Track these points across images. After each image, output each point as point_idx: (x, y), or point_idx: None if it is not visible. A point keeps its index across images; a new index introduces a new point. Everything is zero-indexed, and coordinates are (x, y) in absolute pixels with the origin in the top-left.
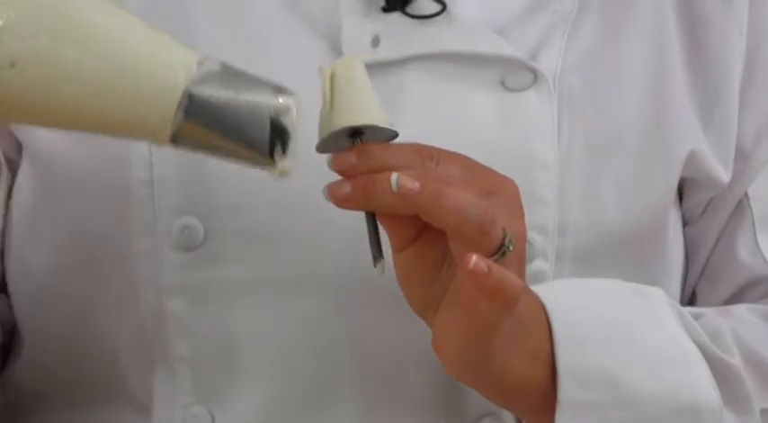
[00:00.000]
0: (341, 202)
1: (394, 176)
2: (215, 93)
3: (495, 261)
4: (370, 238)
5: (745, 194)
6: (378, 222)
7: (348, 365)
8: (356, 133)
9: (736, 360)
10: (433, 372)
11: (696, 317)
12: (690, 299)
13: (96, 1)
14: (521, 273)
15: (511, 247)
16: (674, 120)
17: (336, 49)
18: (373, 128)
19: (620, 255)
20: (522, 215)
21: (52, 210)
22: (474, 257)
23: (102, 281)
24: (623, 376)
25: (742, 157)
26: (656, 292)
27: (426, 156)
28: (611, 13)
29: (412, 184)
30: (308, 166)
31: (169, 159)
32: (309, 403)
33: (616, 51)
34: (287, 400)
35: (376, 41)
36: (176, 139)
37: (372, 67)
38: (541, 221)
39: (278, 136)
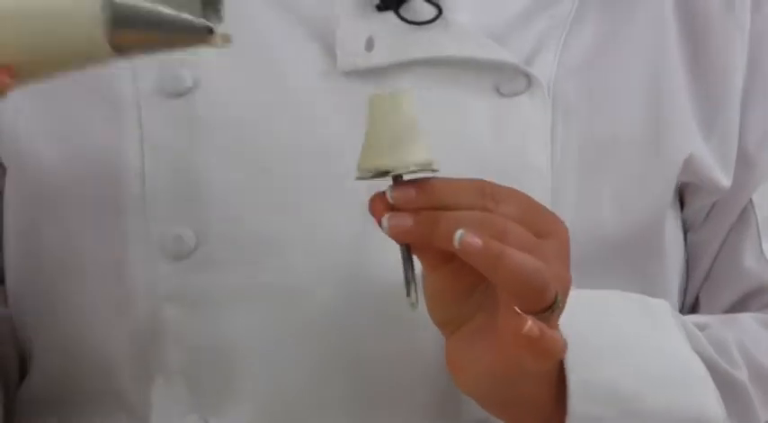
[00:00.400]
0: (397, 234)
1: (459, 233)
2: None
3: (541, 317)
4: (406, 275)
5: (750, 201)
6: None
7: (343, 372)
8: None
9: (742, 373)
10: (428, 378)
11: (701, 328)
12: (692, 306)
13: None
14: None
15: (560, 306)
16: (672, 125)
17: (329, 49)
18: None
19: (616, 261)
20: (568, 261)
21: (44, 224)
22: (529, 323)
23: (97, 292)
24: (630, 391)
25: (745, 163)
26: (662, 305)
27: (488, 194)
28: (610, 18)
29: (475, 242)
30: (299, 173)
31: (161, 168)
32: (304, 410)
33: (613, 57)
34: (282, 408)
35: (370, 44)
36: (119, 50)
37: (366, 73)
38: None
39: (209, 8)
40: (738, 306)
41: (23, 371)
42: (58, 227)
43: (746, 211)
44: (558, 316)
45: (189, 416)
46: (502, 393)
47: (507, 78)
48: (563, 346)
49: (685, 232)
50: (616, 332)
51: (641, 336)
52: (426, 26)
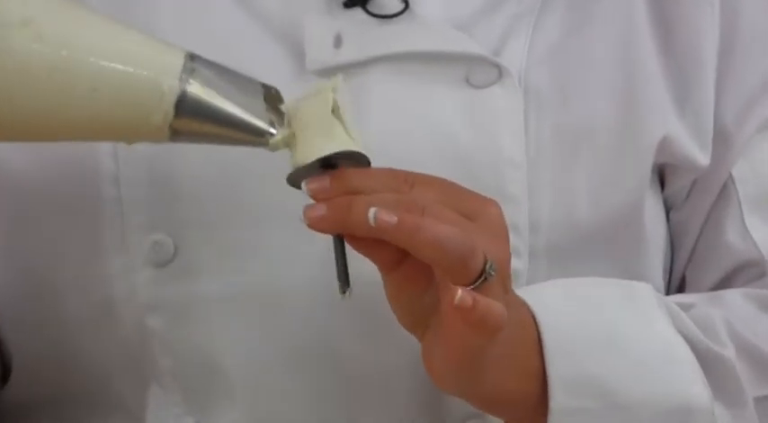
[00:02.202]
0: (315, 223)
1: (372, 211)
2: (206, 84)
3: (477, 288)
4: (338, 266)
5: (730, 176)
6: (346, 249)
7: (330, 373)
8: (329, 165)
9: (728, 351)
10: (417, 376)
11: (686, 308)
12: (679, 285)
13: (75, 8)
14: (505, 295)
15: (492, 273)
16: (646, 107)
17: (298, 48)
18: (348, 154)
19: (595, 249)
20: (506, 238)
21: (23, 234)
22: (459, 292)
23: (80, 301)
24: (613, 382)
25: (723, 139)
26: (644, 289)
27: (401, 179)
28: (578, 4)
29: (389, 218)
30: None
31: (137, 176)
32: (292, 411)
33: (583, 42)
34: (271, 410)
35: (338, 41)
36: (175, 136)
37: (336, 70)
38: (512, 219)
39: (272, 109)
40: (725, 283)
41: (5, 374)
42: (36, 236)
43: (727, 188)
44: (501, 286)
45: (184, 418)
46: (476, 386)
47: (477, 69)
48: (501, 317)
49: (667, 212)
50: (597, 321)
51: (623, 323)
52: (394, 20)
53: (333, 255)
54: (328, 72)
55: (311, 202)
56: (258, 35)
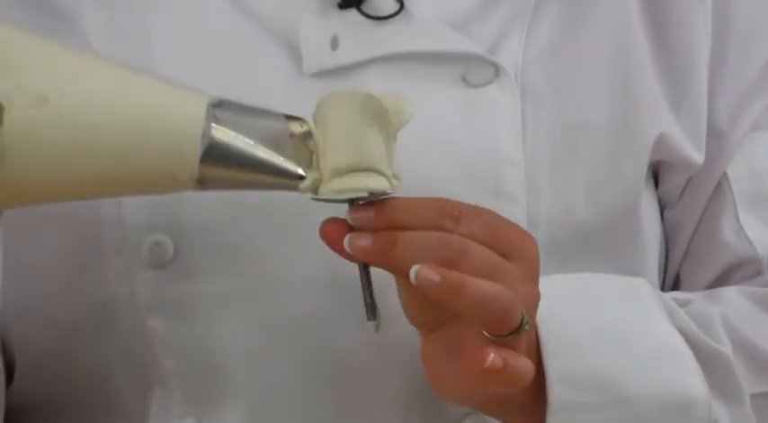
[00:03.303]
0: (358, 253)
1: (414, 269)
2: (231, 131)
3: (507, 339)
4: (365, 297)
5: (724, 175)
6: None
7: (328, 371)
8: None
9: (726, 347)
10: (414, 374)
11: (683, 304)
12: (673, 283)
13: (95, 63)
14: (530, 341)
15: (526, 328)
16: (642, 105)
17: (295, 51)
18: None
19: (593, 245)
20: (537, 277)
21: (24, 240)
22: (491, 356)
23: (81, 304)
24: (611, 377)
25: (717, 137)
26: (642, 285)
27: (447, 214)
28: (573, 3)
29: (432, 277)
30: None
31: None
32: (293, 409)
33: (578, 41)
34: (272, 409)
35: (335, 43)
36: (203, 184)
37: (332, 72)
38: (511, 217)
39: (300, 152)
40: (720, 281)
41: (9, 376)
42: (35, 238)
43: (721, 186)
44: (528, 334)
45: (186, 419)
46: (477, 400)
47: (474, 69)
48: (528, 373)
49: (662, 210)
50: (595, 316)
51: (621, 319)
52: (389, 21)
53: (334, 254)
54: (326, 73)
55: (321, 206)
56: (255, 36)
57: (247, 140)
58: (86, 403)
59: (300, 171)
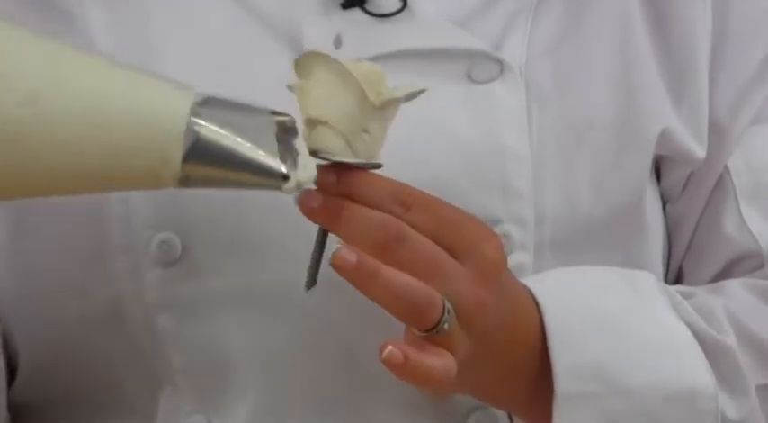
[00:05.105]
0: (304, 210)
1: (335, 247)
2: (215, 129)
3: (432, 335)
4: (311, 262)
5: (726, 168)
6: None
7: (336, 369)
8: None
9: (730, 339)
10: None
11: (687, 296)
12: (676, 277)
13: (83, 59)
14: (535, 333)
15: (446, 326)
16: (645, 100)
17: (298, 50)
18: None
19: (598, 240)
20: (495, 277)
21: (29, 238)
22: (388, 348)
23: (88, 303)
24: (617, 368)
25: (718, 131)
26: (646, 277)
27: (400, 200)
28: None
29: (349, 258)
30: None
31: None
32: (301, 408)
33: (581, 36)
34: (280, 407)
35: (338, 41)
36: (185, 182)
37: None
38: (519, 213)
39: (286, 152)
40: (723, 274)
41: (12, 373)
42: (42, 236)
43: (723, 180)
44: (458, 332)
45: (193, 416)
46: (479, 382)
47: (478, 65)
48: (443, 372)
49: (664, 204)
50: (600, 308)
51: (626, 310)
52: (393, 19)
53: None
54: None
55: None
56: (258, 35)
57: (231, 138)
58: (94, 402)
59: (284, 169)
